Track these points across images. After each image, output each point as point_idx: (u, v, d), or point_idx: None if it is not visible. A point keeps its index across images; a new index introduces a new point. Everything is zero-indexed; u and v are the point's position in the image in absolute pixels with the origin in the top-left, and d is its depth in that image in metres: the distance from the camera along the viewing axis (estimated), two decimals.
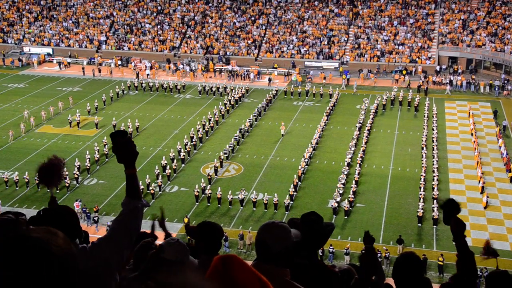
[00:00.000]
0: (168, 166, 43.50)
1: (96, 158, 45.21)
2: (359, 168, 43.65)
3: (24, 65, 75.19)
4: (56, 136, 51.42)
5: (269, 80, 67.45)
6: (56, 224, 3.78)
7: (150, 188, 40.02)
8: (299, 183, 42.02)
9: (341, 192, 39.67)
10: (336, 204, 38.09)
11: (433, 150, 46.98)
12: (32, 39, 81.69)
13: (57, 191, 40.45)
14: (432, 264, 32.57)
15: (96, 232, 34.60)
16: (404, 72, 68.81)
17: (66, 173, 39.86)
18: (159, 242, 5.02)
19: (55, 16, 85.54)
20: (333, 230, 4.26)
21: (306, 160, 44.99)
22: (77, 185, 42.14)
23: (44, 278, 2.01)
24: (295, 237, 3.63)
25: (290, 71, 70.91)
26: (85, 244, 4.38)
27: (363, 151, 46.92)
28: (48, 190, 4.09)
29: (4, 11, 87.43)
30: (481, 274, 29.69)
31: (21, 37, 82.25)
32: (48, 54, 78.83)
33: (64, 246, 2.12)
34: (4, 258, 2.03)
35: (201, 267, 4.37)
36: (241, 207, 39.04)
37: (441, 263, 31.73)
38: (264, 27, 79.65)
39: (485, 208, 38.88)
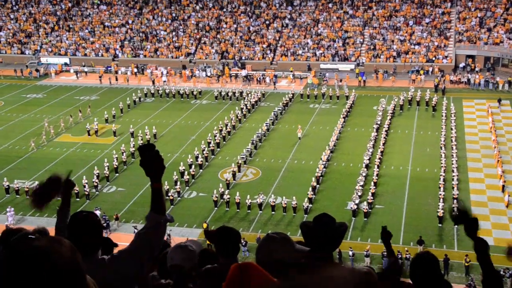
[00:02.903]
0: (186, 172, 43.64)
1: (115, 166, 45.51)
2: (378, 170, 43.39)
3: (41, 76, 76.01)
4: (75, 145, 51.88)
5: (274, 84, 67.33)
6: (76, 233, 3.80)
7: (169, 194, 40.17)
8: (318, 186, 41.89)
9: (359, 194, 39.47)
10: (355, 206, 37.91)
11: (452, 149, 46.52)
12: (49, 49, 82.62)
13: (77, 199, 40.79)
14: (454, 264, 32.23)
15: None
16: (421, 72, 68.34)
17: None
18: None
19: (71, 26, 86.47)
20: (346, 230, 4.28)
21: (324, 162, 44.83)
22: (97, 193, 42.45)
23: (44, 287, 1.97)
24: (291, 252, 3.95)
25: (295, 75, 70.76)
26: (107, 252, 4.40)
27: (381, 152, 46.64)
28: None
29: (21, 22, 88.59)
30: (504, 274, 29.35)
31: (39, 48, 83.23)
32: (65, 64, 79.66)
33: (68, 256, 2.08)
34: (4, 267, 2.01)
35: (220, 270, 4.41)
36: (260, 211, 39.02)
37: (467, 264, 31.28)
38: (278, 31, 79.69)
39: (506, 207, 38.40)
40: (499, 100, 58.09)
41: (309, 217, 37.26)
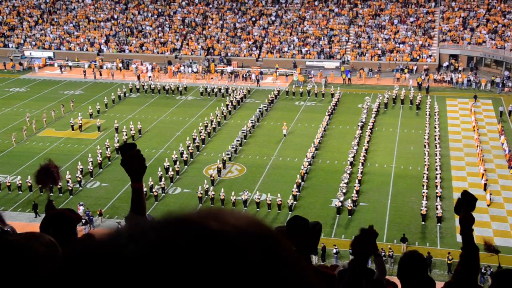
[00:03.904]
0: (170, 168, 43.53)
1: (99, 161, 45.24)
2: (362, 167, 43.62)
3: (25, 69, 75.20)
4: (58, 140, 51.46)
5: (258, 81, 67.22)
6: (48, 230, 3.79)
7: (153, 191, 40.04)
8: (302, 183, 42.00)
9: (344, 191, 39.65)
10: (340, 204, 38.07)
11: (436, 148, 46.92)
12: (33, 43, 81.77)
13: (60, 195, 40.51)
14: (436, 262, 32.54)
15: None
16: (406, 70, 68.74)
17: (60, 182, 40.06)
18: None
19: (55, 19, 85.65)
20: (321, 229, 4.20)
21: (309, 160, 44.96)
22: (80, 188, 42.17)
23: (16, 281, 1.94)
24: None
25: (281, 72, 70.84)
26: None
27: (366, 150, 46.88)
28: (45, 189, 4.28)
29: (4, 15, 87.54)
30: (485, 271, 29.68)
31: (22, 41, 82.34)
32: (49, 58, 78.87)
33: (42, 251, 2.05)
34: None
35: None
36: (245, 208, 39.03)
37: (450, 261, 31.62)
38: (264, 28, 79.65)
39: (488, 205, 38.83)
40: (475, 97, 59.03)
41: (294, 214, 37.33)
